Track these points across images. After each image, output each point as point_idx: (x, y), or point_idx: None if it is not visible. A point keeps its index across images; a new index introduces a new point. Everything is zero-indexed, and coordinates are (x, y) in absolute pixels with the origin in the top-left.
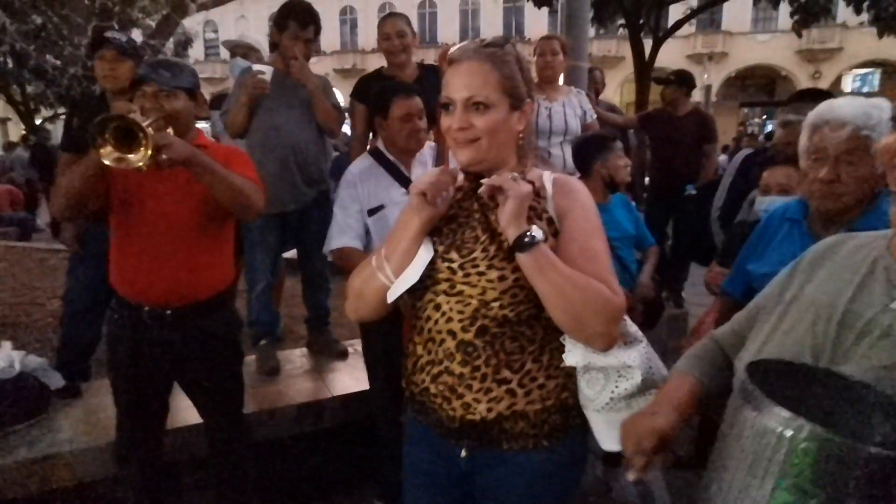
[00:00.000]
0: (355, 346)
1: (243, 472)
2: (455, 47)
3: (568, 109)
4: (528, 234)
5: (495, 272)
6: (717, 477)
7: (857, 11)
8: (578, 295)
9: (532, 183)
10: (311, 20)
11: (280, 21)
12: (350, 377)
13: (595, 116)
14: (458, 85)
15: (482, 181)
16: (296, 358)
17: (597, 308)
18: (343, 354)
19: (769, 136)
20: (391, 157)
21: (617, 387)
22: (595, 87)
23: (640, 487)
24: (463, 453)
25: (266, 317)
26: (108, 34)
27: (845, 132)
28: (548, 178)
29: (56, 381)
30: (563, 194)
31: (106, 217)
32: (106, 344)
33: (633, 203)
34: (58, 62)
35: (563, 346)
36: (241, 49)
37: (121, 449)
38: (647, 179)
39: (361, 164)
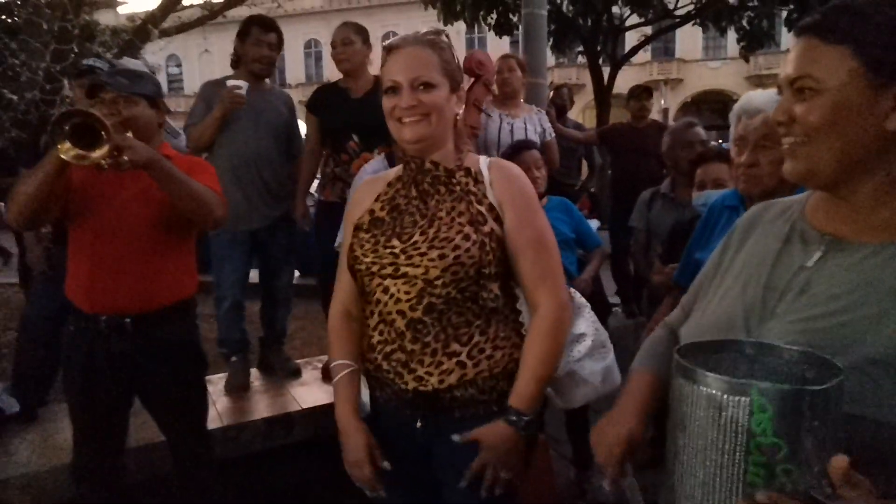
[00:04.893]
0: (313, 362)
1: (209, 490)
2: (393, 38)
3: (529, 126)
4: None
5: (436, 251)
6: (684, 465)
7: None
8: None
9: (469, 169)
10: (272, 27)
11: (242, 31)
12: (319, 389)
13: (553, 135)
14: (403, 68)
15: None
16: (253, 375)
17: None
18: (297, 373)
19: None
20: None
21: (570, 351)
22: (563, 104)
23: (614, 487)
24: (418, 424)
25: (235, 335)
26: (92, 62)
27: (759, 119)
28: (483, 162)
29: (10, 406)
30: (501, 179)
31: (66, 235)
32: (62, 360)
33: (589, 212)
34: (13, 96)
35: (510, 316)
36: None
37: (78, 470)
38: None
39: (375, 166)
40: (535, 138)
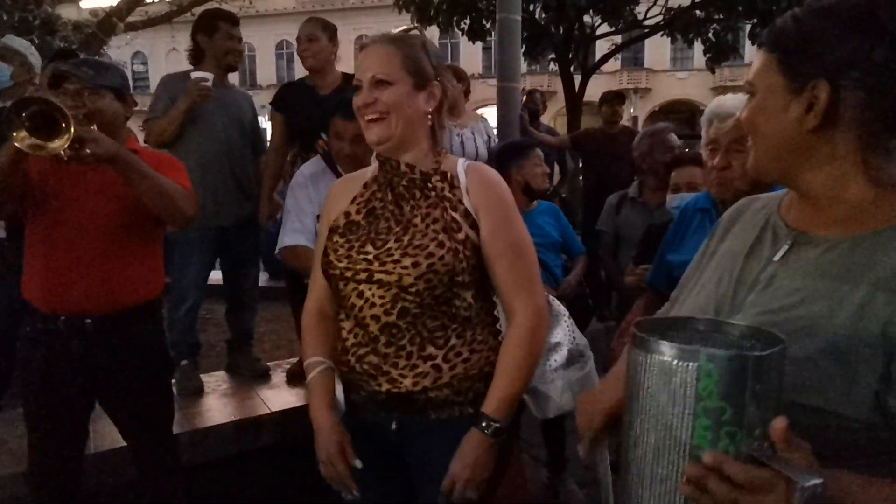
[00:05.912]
0: (283, 365)
1: (175, 497)
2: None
3: (477, 136)
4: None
5: (409, 259)
6: (637, 431)
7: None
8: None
9: (445, 173)
10: (237, 21)
11: (207, 25)
12: (288, 392)
13: (497, 141)
14: (364, 66)
15: None
16: (220, 378)
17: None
18: (265, 374)
19: None
20: (338, 168)
21: (547, 360)
22: (536, 109)
23: (586, 490)
24: (393, 426)
25: (192, 337)
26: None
27: (731, 122)
28: (461, 166)
29: None
30: (478, 185)
31: (23, 229)
32: (18, 362)
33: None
34: None
35: (487, 320)
36: None
37: (35, 477)
38: None
39: (313, 168)
40: (484, 148)
